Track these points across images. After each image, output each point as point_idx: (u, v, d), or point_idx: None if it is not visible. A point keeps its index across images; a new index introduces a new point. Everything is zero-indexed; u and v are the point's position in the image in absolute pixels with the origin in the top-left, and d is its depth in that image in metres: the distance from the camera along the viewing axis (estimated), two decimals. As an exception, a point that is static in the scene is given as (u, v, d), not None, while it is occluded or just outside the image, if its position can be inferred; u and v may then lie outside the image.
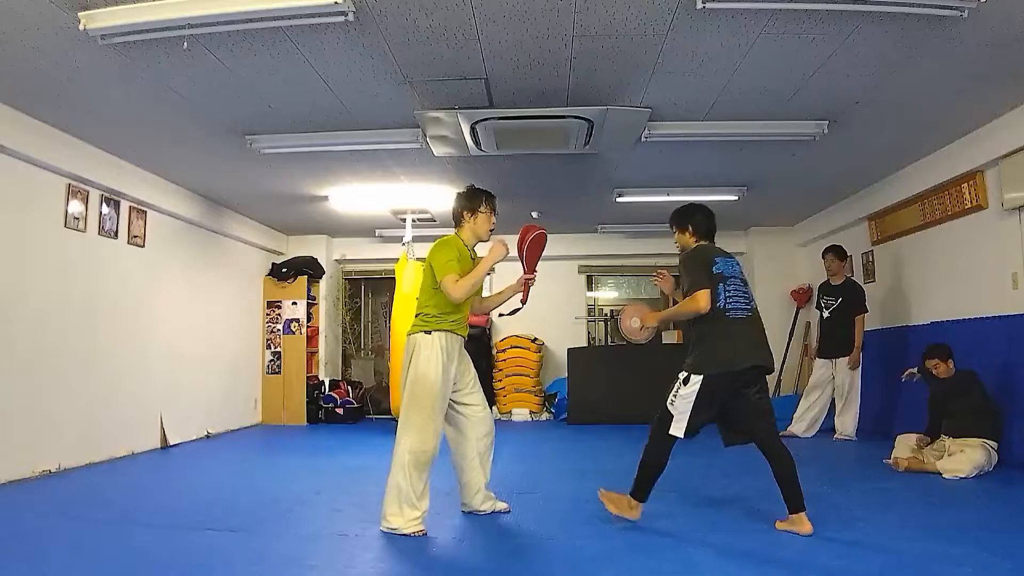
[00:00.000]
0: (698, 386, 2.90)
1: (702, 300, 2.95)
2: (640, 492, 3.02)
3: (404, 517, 2.92)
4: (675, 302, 3.31)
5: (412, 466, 2.95)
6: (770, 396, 2.97)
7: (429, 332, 3.07)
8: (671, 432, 2.94)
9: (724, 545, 2.77)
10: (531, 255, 3.33)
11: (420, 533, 2.92)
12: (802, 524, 2.84)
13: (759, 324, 3.08)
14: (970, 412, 4.20)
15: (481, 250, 3.30)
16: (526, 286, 3.33)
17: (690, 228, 3.25)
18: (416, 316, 3.16)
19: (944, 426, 4.35)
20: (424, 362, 3.02)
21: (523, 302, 3.40)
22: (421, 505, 2.97)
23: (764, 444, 2.99)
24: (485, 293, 3.58)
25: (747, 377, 2.97)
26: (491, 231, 3.30)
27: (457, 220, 3.28)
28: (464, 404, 3.21)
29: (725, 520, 3.16)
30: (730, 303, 2.99)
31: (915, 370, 4.60)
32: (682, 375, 2.98)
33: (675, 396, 2.96)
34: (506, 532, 3.07)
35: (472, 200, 3.25)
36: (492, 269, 3.20)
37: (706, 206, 3.34)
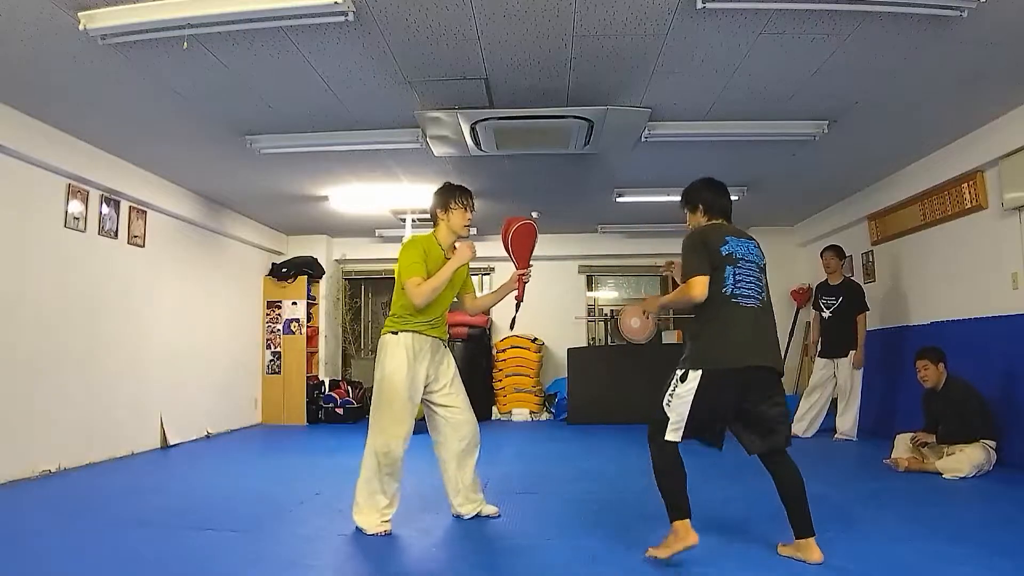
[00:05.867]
0: (696, 383, 2.50)
1: (697, 287, 2.55)
2: (678, 511, 2.55)
3: (369, 517, 2.96)
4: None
5: (377, 468, 2.97)
6: (783, 403, 2.62)
7: (396, 333, 3.06)
8: (667, 438, 2.55)
9: (723, 545, 2.76)
10: (519, 248, 3.19)
11: (385, 533, 2.94)
12: (810, 551, 2.48)
13: (769, 318, 2.65)
14: (963, 420, 4.17)
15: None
16: (520, 283, 3.19)
17: (701, 206, 2.81)
18: (389, 316, 3.16)
19: (941, 433, 4.33)
20: (389, 362, 3.02)
21: (518, 300, 3.24)
22: (386, 506, 3.00)
23: (769, 458, 2.66)
24: (483, 292, 3.55)
25: (758, 378, 2.56)
26: (467, 227, 3.21)
27: (433, 219, 3.24)
28: (442, 405, 3.16)
29: (724, 521, 3.15)
30: (740, 288, 2.57)
31: (931, 437, 4.37)
32: (679, 371, 2.57)
33: (671, 395, 2.56)
34: (505, 533, 3.06)
35: (444, 197, 3.20)
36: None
37: (716, 180, 2.88)
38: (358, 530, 2.99)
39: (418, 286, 2.98)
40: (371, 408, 3.07)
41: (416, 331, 3.07)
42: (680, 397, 2.54)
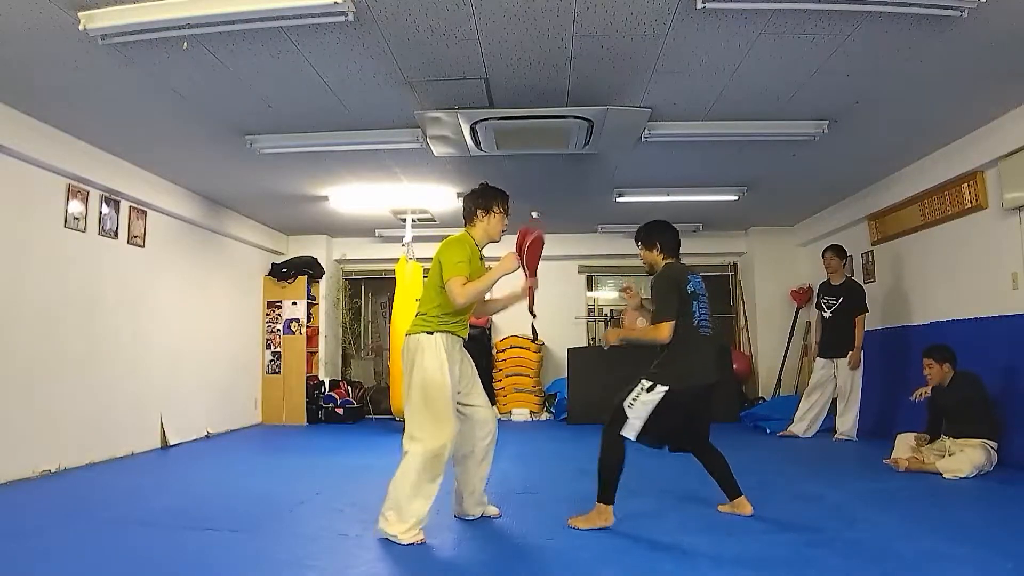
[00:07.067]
0: (661, 396, 2.95)
1: (664, 331, 3.04)
2: (606, 496, 3.00)
3: (405, 525, 2.82)
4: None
5: (425, 471, 2.84)
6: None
7: (431, 333, 2.98)
8: (622, 433, 2.98)
9: (723, 544, 2.76)
10: (531, 259, 3.20)
11: (420, 542, 2.82)
12: (742, 506, 3.16)
13: (717, 340, 3.36)
14: (969, 414, 4.20)
15: (487, 251, 3.25)
16: (531, 293, 3.19)
17: (659, 246, 3.27)
18: (418, 315, 3.08)
19: (944, 427, 4.35)
20: (430, 363, 2.94)
21: (531, 309, 3.21)
22: (424, 513, 2.87)
23: (696, 449, 3.24)
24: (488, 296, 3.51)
25: (709, 392, 3.14)
26: (503, 232, 3.22)
27: (468, 218, 3.18)
28: (467, 405, 3.13)
29: (723, 520, 3.16)
30: (701, 320, 3.12)
31: (926, 389, 4.41)
32: (646, 382, 3.00)
33: (634, 400, 2.99)
34: (506, 533, 3.06)
35: (487, 199, 3.15)
36: (489, 268, 3.16)
37: (670, 223, 3.35)
38: (384, 540, 2.85)
39: (463, 286, 2.92)
40: (411, 412, 2.94)
41: (450, 331, 3.02)
42: (643, 403, 2.97)
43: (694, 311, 3.09)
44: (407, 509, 2.83)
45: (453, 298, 2.93)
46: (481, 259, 3.16)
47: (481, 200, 3.16)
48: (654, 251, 3.28)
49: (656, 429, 3.00)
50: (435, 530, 3.01)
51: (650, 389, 2.98)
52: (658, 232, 3.30)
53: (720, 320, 8.70)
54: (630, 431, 2.97)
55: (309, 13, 2.94)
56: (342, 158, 5.17)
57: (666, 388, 2.96)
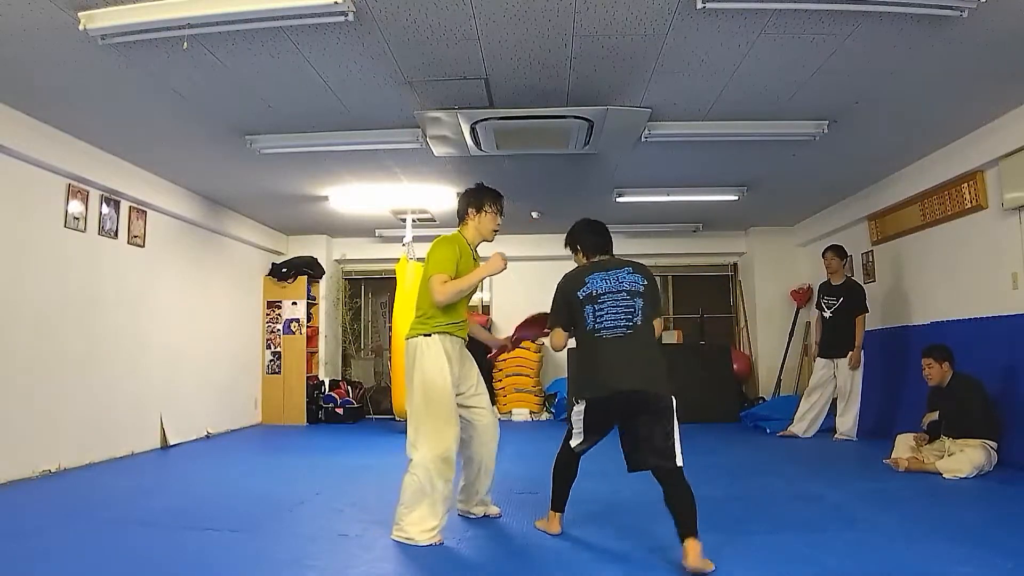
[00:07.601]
0: (583, 407, 2.86)
1: (554, 338, 2.94)
2: (554, 503, 3.01)
3: (421, 527, 2.82)
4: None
5: (436, 474, 2.84)
6: (673, 427, 2.66)
7: (429, 335, 2.98)
8: (570, 443, 2.97)
9: (724, 545, 2.76)
10: (524, 333, 3.48)
11: (438, 543, 2.82)
12: (687, 552, 2.42)
13: (638, 342, 2.74)
14: (968, 415, 4.20)
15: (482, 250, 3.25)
16: (505, 348, 3.56)
17: (579, 248, 3.09)
18: (416, 318, 3.08)
19: (944, 427, 4.35)
20: (431, 365, 2.94)
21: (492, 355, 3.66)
22: (441, 514, 2.87)
23: (657, 474, 2.65)
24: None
25: (630, 401, 2.68)
26: (495, 231, 3.22)
27: (461, 217, 3.19)
28: (469, 408, 3.13)
29: (724, 521, 3.15)
30: (601, 322, 2.74)
31: (933, 415, 4.40)
32: (574, 397, 2.98)
33: (571, 412, 2.97)
34: (506, 532, 3.07)
35: (479, 198, 3.17)
36: None
37: (591, 220, 3.14)
38: (385, 535, 2.89)
39: (444, 283, 2.92)
40: (413, 417, 2.94)
41: (448, 332, 3.02)
42: (576, 415, 2.92)
43: (585, 316, 2.76)
44: (423, 513, 2.83)
45: (434, 295, 2.94)
46: (475, 258, 3.16)
47: (474, 199, 3.18)
48: (578, 255, 3.11)
49: (596, 437, 2.92)
50: (435, 530, 3.01)
51: (576, 402, 2.90)
52: (575, 234, 3.13)
53: (720, 320, 8.75)
54: (575, 441, 2.95)
55: (309, 13, 2.94)
56: (342, 158, 5.17)
57: (583, 402, 2.85)
